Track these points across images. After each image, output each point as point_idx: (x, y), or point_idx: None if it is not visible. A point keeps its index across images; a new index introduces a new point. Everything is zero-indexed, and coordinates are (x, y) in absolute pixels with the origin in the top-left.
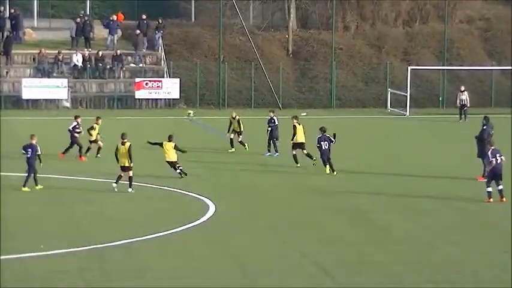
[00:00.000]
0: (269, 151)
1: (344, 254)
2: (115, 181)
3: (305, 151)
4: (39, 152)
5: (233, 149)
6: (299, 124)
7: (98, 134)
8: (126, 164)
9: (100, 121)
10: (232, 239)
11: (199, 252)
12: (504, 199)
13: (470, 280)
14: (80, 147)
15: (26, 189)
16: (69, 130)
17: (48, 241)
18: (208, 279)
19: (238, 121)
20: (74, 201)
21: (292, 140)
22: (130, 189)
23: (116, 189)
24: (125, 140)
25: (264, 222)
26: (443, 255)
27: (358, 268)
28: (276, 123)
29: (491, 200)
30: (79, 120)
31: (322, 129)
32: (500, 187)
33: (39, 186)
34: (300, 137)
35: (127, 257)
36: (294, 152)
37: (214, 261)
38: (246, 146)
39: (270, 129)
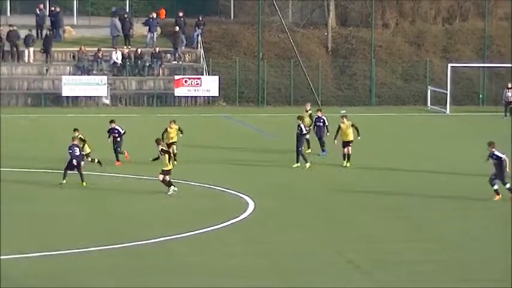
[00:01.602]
0: (323, 151)
1: (378, 252)
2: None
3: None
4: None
5: (309, 150)
6: (343, 123)
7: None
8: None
9: (173, 124)
10: (269, 237)
11: (236, 250)
12: None
13: (502, 279)
14: (116, 152)
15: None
16: (118, 134)
17: (85, 238)
18: (243, 277)
19: (310, 115)
20: (114, 199)
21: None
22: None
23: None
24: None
25: (302, 221)
26: (475, 254)
27: (392, 266)
28: (326, 122)
29: None
30: (113, 125)
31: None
32: None
33: (84, 184)
34: (347, 135)
35: (162, 255)
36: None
37: (250, 259)
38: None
39: (314, 126)
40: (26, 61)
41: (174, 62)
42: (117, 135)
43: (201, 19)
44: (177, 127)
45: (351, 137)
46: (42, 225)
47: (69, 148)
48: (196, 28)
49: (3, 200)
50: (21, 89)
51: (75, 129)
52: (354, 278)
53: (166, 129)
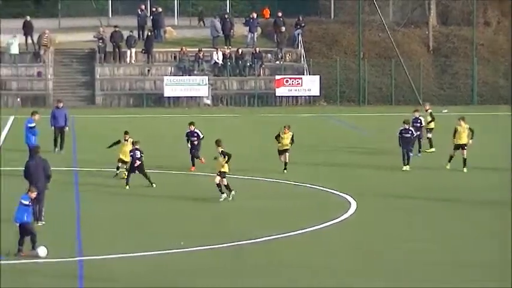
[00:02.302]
0: (420, 152)
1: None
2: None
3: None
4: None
5: (433, 149)
6: (460, 125)
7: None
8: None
9: (287, 130)
10: (368, 238)
11: (336, 250)
12: None
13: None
14: (193, 156)
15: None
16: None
17: (188, 238)
18: (340, 278)
19: (431, 114)
20: (216, 198)
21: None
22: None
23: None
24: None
25: (403, 222)
26: None
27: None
28: (422, 123)
29: None
30: (192, 127)
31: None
32: None
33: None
34: (462, 138)
35: (264, 253)
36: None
37: (348, 259)
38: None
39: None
40: (128, 62)
41: (277, 62)
42: (195, 138)
43: (301, 19)
44: (291, 133)
45: (465, 140)
46: (141, 225)
47: (131, 151)
48: (297, 28)
49: (98, 199)
50: (123, 89)
51: (125, 132)
52: (452, 277)
53: (279, 134)
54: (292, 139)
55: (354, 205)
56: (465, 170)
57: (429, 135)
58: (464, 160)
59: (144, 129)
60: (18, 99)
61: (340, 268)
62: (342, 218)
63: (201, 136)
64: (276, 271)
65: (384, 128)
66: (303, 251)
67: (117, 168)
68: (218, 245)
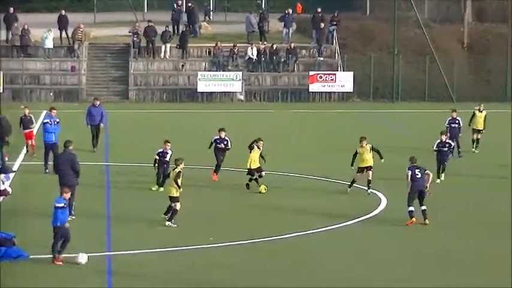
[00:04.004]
0: (459, 153)
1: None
2: None
3: None
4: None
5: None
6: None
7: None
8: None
9: (364, 142)
10: (400, 232)
11: (363, 246)
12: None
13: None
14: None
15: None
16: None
17: (218, 234)
18: (364, 272)
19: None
20: (246, 193)
21: None
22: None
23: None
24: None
25: (435, 218)
26: None
27: None
28: (460, 123)
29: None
30: (223, 134)
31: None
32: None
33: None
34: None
35: (290, 250)
36: None
37: (381, 253)
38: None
39: (448, 127)
40: (162, 57)
41: (321, 59)
42: (223, 146)
43: (336, 15)
44: (369, 146)
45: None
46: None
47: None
48: (332, 24)
49: (128, 194)
50: (157, 84)
51: (259, 139)
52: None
53: (356, 152)
54: (376, 151)
55: (384, 201)
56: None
57: (477, 136)
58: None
59: (179, 124)
60: (51, 94)
61: (369, 263)
62: (373, 213)
63: (230, 146)
64: (306, 267)
65: (418, 125)
66: (331, 246)
67: (251, 180)
68: (243, 241)
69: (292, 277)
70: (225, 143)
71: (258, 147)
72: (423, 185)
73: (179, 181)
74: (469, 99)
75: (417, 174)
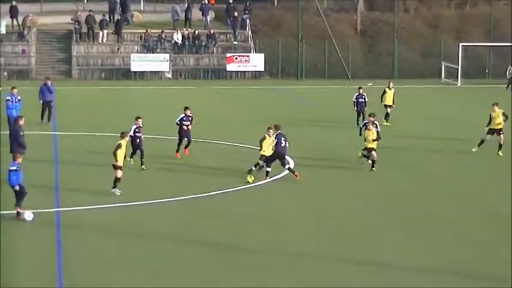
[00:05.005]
0: (358, 123)
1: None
2: None
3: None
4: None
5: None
6: (494, 111)
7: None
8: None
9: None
10: (308, 189)
11: (281, 202)
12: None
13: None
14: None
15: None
16: (177, 123)
17: (160, 193)
18: (289, 225)
19: (504, 113)
20: (183, 159)
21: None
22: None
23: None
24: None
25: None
26: None
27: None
28: (365, 98)
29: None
30: (188, 112)
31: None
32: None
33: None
34: (497, 124)
35: (220, 205)
36: (487, 138)
37: (294, 208)
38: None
39: (355, 101)
40: (100, 41)
41: (235, 43)
42: (189, 123)
43: (248, 5)
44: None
45: (500, 125)
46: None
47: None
48: (245, 13)
49: (75, 159)
50: (96, 65)
51: (272, 127)
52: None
53: (490, 115)
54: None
55: (291, 163)
56: (500, 153)
57: (388, 110)
58: (500, 145)
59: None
60: (5, 73)
61: (284, 216)
62: (283, 174)
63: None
64: (227, 219)
65: (318, 98)
66: (250, 202)
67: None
68: (178, 198)
69: (215, 226)
70: (191, 119)
71: (269, 135)
72: (285, 151)
73: (118, 152)
74: (362, 77)
75: (282, 143)
